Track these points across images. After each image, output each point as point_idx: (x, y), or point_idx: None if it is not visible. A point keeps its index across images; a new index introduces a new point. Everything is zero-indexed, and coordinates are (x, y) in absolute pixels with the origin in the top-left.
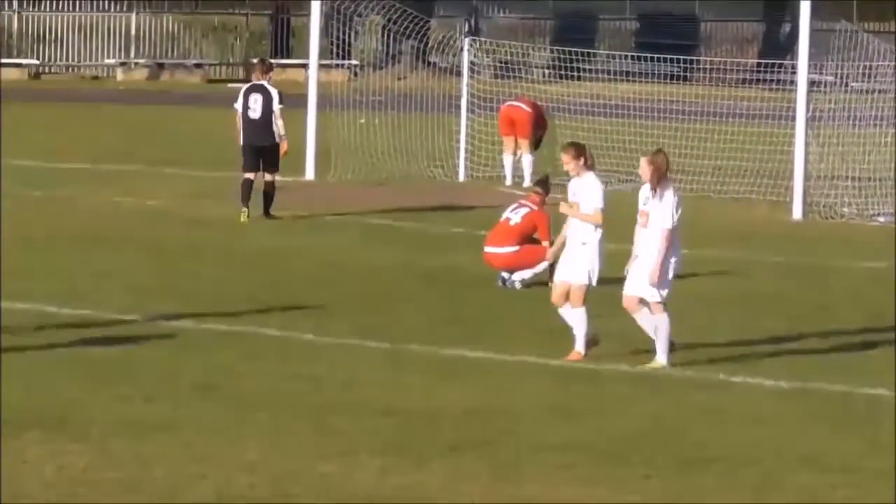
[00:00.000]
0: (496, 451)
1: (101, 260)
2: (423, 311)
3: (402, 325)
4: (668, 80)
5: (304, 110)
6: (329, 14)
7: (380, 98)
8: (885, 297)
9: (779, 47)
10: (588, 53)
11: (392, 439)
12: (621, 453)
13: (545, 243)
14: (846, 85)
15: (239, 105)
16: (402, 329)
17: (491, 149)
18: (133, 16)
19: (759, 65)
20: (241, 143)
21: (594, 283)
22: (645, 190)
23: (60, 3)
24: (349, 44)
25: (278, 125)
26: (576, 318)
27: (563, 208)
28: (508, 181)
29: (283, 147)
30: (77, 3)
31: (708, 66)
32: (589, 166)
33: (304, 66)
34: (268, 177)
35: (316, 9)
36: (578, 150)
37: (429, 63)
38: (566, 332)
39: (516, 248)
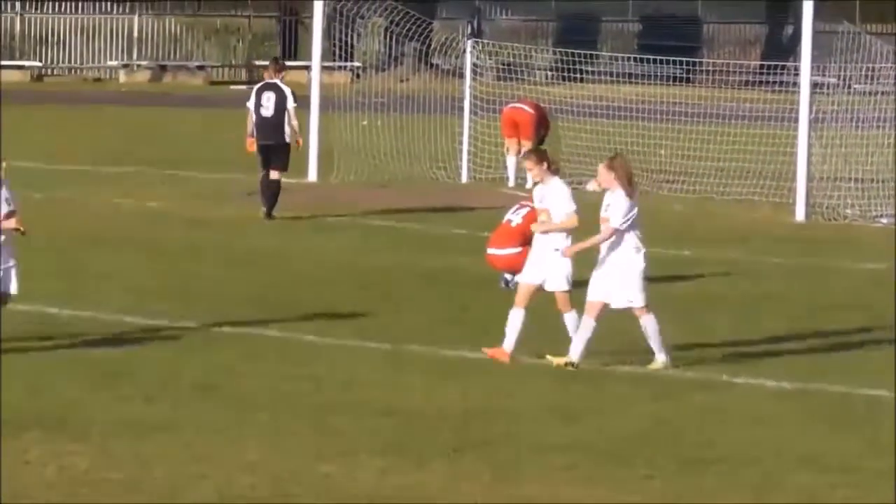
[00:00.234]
0: (496, 451)
1: (102, 261)
2: (423, 311)
3: (403, 325)
4: (671, 82)
5: (306, 112)
6: (331, 16)
7: (382, 100)
8: (887, 298)
9: (781, 49)
10: (591, 55)
11: (392, 440)
12: (622, 454)
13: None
14: (849, 87)
15: (251, 103)
16: (402, 329)
17: (494, 150)
18: (135, 18)
19: (761, 66)
20: (256, 141)
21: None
22: (608, 196)
23: (63, 5)
24: (352, 46)
25: (293, 124)
26: (570, 322)
27: (537, 228)
28: (511, 183)
29: (299, 143)
30: (79, 5)
31: (711, 68)
32: (553, 171)
33: (307, 67)
34: (274, 174)
35: (318, 11)
36: (541, 156)
37: (431, 65)
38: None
39: (519, 249)
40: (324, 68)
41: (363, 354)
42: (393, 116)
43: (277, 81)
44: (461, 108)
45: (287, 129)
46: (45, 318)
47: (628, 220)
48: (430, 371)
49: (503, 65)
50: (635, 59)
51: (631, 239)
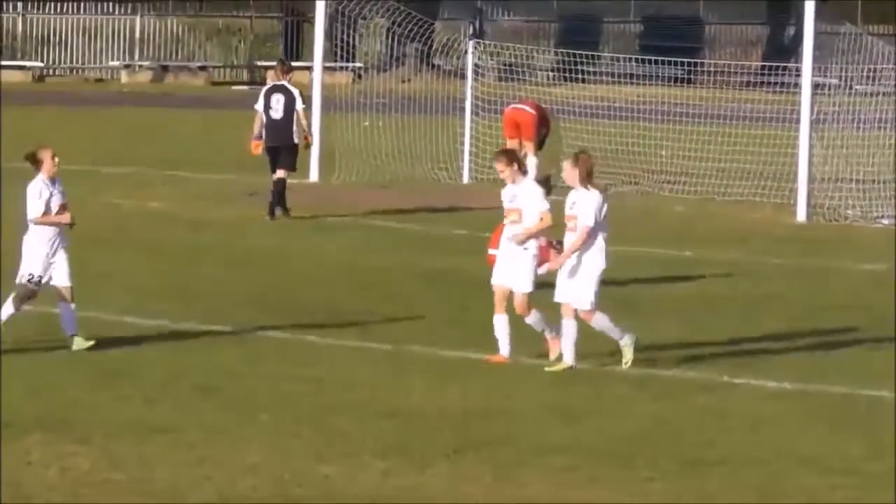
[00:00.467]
0: (497, 452)
1: (103, 261)
2: (424, 312)
3: (404, 326)
4: (673, 83)
5: (308, 112)
6: (333, 16)
7: (384, 100)
8: (887, 298)
9: (783, 50)
10: (592, 56)
11: (394, 441)
12: (623, 455)
13: (542, 241)
14: (850, 87)
15: (260, 105)
16: (403, 330)
17: (495, 151)
18: (137, 18)
19: (763, 67)
20: (263, 143)
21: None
22: (573, 194)
23: (64, 5)
24: (353, 46)
25: (303, 125)
26: (536, 323)
27: (516, 238)
28: None
29: (309, 140)
30: (81, 5)
31: (712, 69)
32: (524, 172)
33: (309, 68)
34: (280, 173)
35: (320, 11)
36: (511, 157)
37: (433, 65)
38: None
39: None
40: (325, 69)
41: (364, 355)
42: (394, 117)
43: (285, 83)
44: (463, 109)
45: (295, 129)
46: (47, 318)
47: (601, 216)
48: (431, 372)
49: (505, 65)
50: (637, 59)
51: (598, 239)
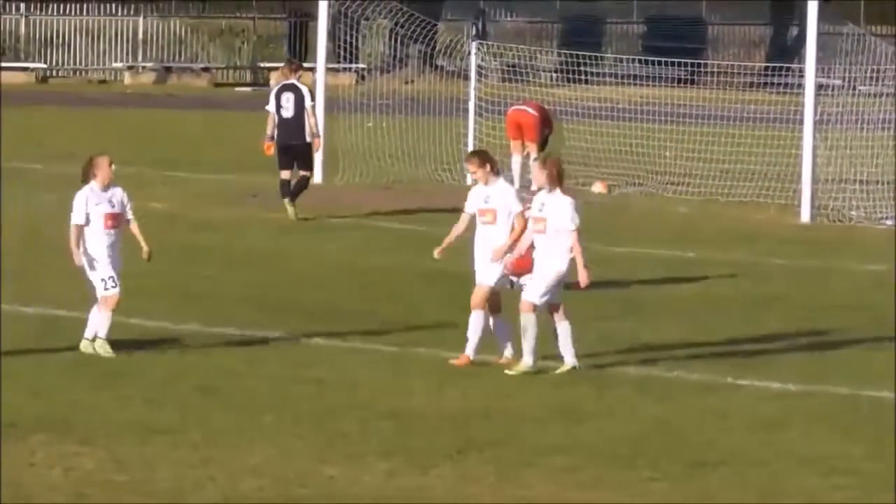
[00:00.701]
0: (501, 453)
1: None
2: (427, 313)
3: (407, 327)
4: (675, 84)
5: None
6: (336, 17)
7: (387, 101)
8: (889, 299)
9: (786, 51)
10: (595, 57)
11: (397, 442)
12: (625, 456)
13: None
14: (854, 88)
15: (271, 105)
16: (406, 332)
17: (499, 152)
18: (140, 19)
19: (766, 68)
20: (275, 142)
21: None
22: (540, 196)
23: (67, 6)
24: (356, 47)
25: (311, 122)
26: (474, 320)
27: (494, 257)
28: (516, 184)
29: (316, 144)
30: (84, 6)
31: (715, 70)
32: (496, 173)
33: (312, 69)
34: (303, 173)
35: (323, 12)
36: (483, 159)
37: (436, 66)
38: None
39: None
40: (329, 70)
41: (366, 356)
42: (398, 118)
43: (295, 81)
44: (466, 110)
45: (307, 127)
46: (50, 320)
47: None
48: (433, 373)
49: (508, 66)
50: (640, 60)
51: (564, 242)
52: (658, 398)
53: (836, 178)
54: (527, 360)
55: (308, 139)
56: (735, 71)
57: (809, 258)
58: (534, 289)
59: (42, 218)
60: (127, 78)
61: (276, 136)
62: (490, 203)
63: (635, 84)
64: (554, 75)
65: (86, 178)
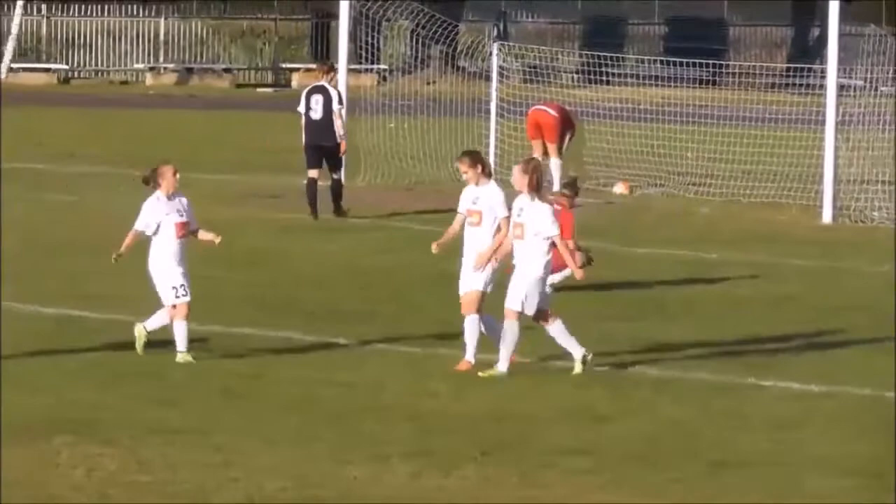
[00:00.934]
0: (522, 455)
1: (129, 264)
2: (447, 314)
3: (428, 329)
4: (697, 85)
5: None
6: (357, 18)
7: (409, 102)
8: None
9: (808, 51)
10: (617, 58)
11: (421, 444)
12: (647, 457)
13: (569, 243)
14: (875, 89)
15: (302, 107)
16: (428, 333)
17: (520, 153)
18: (161, 20)
19: (788, 69)
20: (305, 143)
21: (489, 290)
22: (519, 201)
23: (88, 7)
24: (377, 48)
25: (337, 125)
26: (469, 325)
27: (476, 265)
28: None
29: (343, 147)
30: (105, 7)
31: (737, 71)
32: (488, 174)
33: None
34: (334, 175)
35: (344, 13)
36: (475, 159)
37: (457, 67)
38: (592, 335)
39: None
40: (350, 70)
41: (390, 358)
42: (419, 119)
43: (325, 84)
44: (487, 111)
45: (336, 129)
46: (73, 321)
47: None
48: (455, 375)
49: (529, 67)
50: (661, 61)
51: (542, 245)
52: (677, 399)
53: (857, 179)
54: (501, 367)
55: (338, 140)
56: (757, 72)
57: (830, 259)
58: (514, 295)
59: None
60: (149, 79)
61: (305, 137)
62: (478, 205)
63: (657, 85)
64: (575, 76)
65: (148, 183)
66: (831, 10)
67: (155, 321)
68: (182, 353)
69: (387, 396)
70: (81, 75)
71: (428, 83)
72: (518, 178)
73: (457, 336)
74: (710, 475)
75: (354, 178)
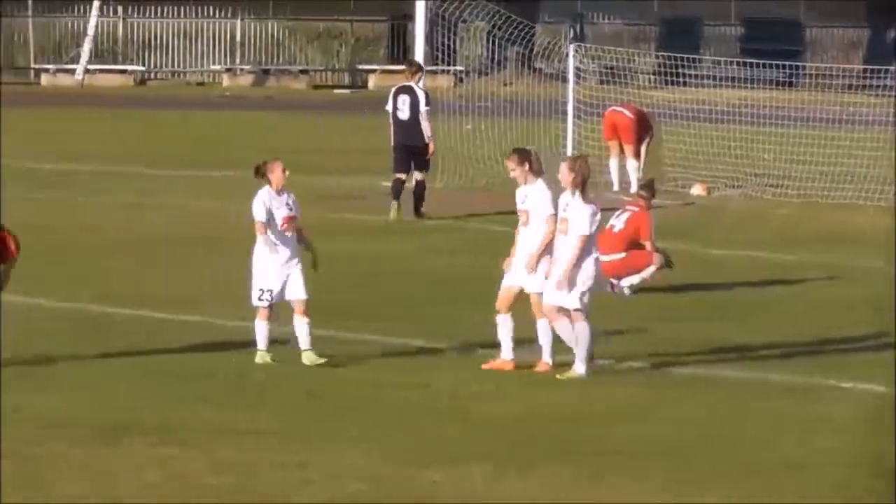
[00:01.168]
0: (599, 456)
1: (215, 266)
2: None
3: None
4: (774, 86)
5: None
6: (433, 20)
7: (486, 104)
8: None
9: (884, 52)
10: (693, 59)
11: (496, 446)
12: (726, 457)
13: (647, 244)
14: None
15: (389, 107)
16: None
17: (597, 154)
18: (238, 22)
19: (864, 70)
20: (393, 143)
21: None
22: (565, 196)
23: (165, 9)
24: (454, 50)
25: (425, 127)
26: (540, 329)
27: (528, 266)
28: (615, 187)
29: (431, 148)
30: (182, 9)
31: (813, 72)
32: (536, 172)
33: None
34: (418, 175)
35: (420, 15)
36: (523, 157)
37: (534, 69)
38: (667, 336)
39: (623, 254)
40: (427, 72)
41: (466, 361)
42: (496, 120)
43: (412, 84)
44: (564, 112)
45: (423, 130)
46: (153, 322)
47: (595, 223)
48: (530, 378)
49: (606, 68)
50: (738, 62)
51: (592, 248)
52: (754, 400)
53: None
54: (578, 369)
55: (426, 140)
56: (833, 73)
57: None
58: (572, 296)
59: (148, 220)
60: (225, 80)
61: (393, 137)
62: (525, 204)
63: (733, 86)
64: (652, 77)
65: (259, 174)
66: None
67: (260, 337)
68: (307, 352)
69: (462, 399)
70: (158, 76)
71: (504, 84)
72: (565, 174)
73: (533, 340)
74: (787, 476)
75: (432, 179)
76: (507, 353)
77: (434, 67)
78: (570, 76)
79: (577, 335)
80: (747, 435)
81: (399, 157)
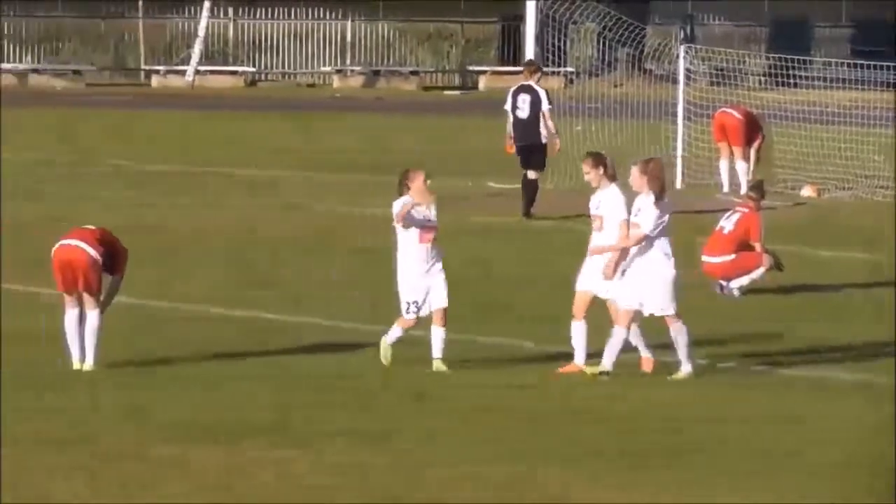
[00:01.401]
0: (726, 456)
1: (327, 268)
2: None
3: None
4: (885, 88)
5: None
6: (544, 21)
7: (597, 105)
8: None
9: None
10: (803, 60)
11: (614, 446)
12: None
13: (756, 246)
14: None
15: (508, 105)
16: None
17: (707, 156)
18: (348, 23)
19: None
20: (515, 143)
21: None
22: (638, 201)
23: (275, 10)
24: (564, 51)
25: (549, 125)
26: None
27: (593, 249)
28: (725, 188)
29: (556, 145)
30: (292, 10)
31: None
32: (610, 176)
33: (521, 72)
34: (532, 174)
35: (531, 16)
36: (597, 160)
37: (644, 70)
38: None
39: (733, 255)
40: None
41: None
42: (606, 122)
43: (532, 83)
44: (674, 114)
45: (543, 130)
46: (265, 324)
47: (659, 226)
48: (640, 378)
49: (716, 70)
50: (849, 64)
51: (662, 245)
52: (870, 403)
53: None
54: (686, 368)
55: (543, 140)
56: None
57: None
58: (665, 303)
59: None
60: (335, 81)
61: (514, 137)
62: (599, 209)
63: (844, 88)
64: (762, 79)
65: (401, 189)
66: None
67: (393, 333)
68: (437, 360)
69: (576, 400)
70: (268, 78)
71: (615, 86)
72: (636, 178)
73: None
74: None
75: (543, 181)
76: (579, 358)
77: (545, 68)
78: (681, 77)
79: (676, 336)
80: (849, 436)
81: (523, 157)
